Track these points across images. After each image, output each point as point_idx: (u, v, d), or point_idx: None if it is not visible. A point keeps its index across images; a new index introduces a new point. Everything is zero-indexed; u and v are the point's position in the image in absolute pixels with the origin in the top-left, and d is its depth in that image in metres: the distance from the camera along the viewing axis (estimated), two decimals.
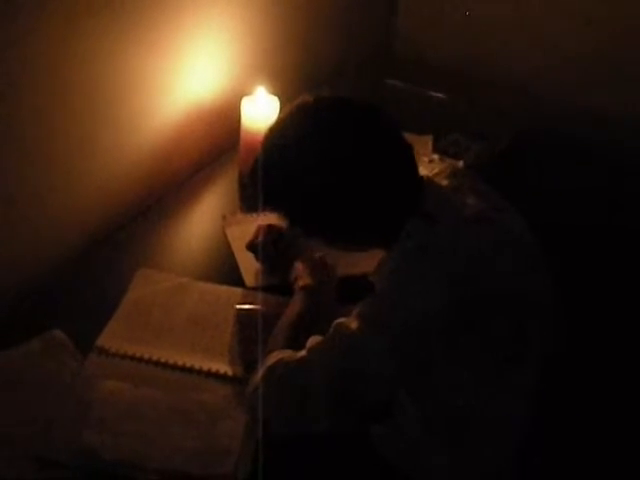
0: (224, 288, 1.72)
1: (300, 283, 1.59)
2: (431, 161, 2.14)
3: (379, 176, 1.30)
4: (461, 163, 2.18)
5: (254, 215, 1.90)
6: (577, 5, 2.71)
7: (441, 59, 2.91)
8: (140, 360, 1.52)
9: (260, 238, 1.74)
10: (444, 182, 1.41)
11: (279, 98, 2.01)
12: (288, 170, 1.31)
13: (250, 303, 1.65)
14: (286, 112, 1.35)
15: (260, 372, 1.33)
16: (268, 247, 1.73)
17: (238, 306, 1.64)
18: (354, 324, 1.26)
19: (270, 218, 1.72)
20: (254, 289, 1.71)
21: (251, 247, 1.76)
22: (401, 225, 1.31)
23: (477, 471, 1.42)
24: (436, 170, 1.85)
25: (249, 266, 1.78)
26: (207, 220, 2.01)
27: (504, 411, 1.37)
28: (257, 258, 1.77)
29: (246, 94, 2.02)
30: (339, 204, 1.30)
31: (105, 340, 1.54)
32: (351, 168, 1.28)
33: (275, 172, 1.33)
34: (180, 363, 1.52)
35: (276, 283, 1.72)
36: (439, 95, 2.28)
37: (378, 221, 1.34)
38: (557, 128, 2.64)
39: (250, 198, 1.74)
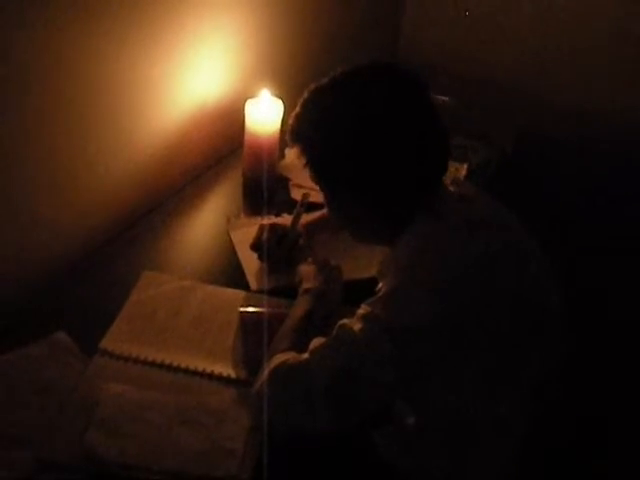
0: (228, 291, 1.72)
1: (304, 286, 1.60)
2: None
3: (411, 145, 1.31)
4: (465, 166, 2.18)
5: (258, 218, 1.90)
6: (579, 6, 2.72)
7: (446, 63, 2.92)
8: (144, 362, 1.52)
9: (264, 237, 1.74)
10: (450, 188, 1.41)
11: (283, 100, 2.01)
12: (326, 123, 1.33)
13: (254, 306, 1.64)
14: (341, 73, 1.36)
15: (264, 374, 1.33)
16: (272, 246, 1.73)
17: (242, 309, 1.63)
18: (357, 326, 1.25)
19: (273, 219, 1.74)
20: (258, 292, 1.71)
21: (255, 247, 1.77)
22: (410, 217, 1.33)
23: (477, 473, 1.42)
24: None
25: (253, 269, 1.78)
26: (211, 222, 2.02)
27: (504, 414, 1.37)
28: (260, 257, 1.78)
29: (250, 96, 2.03)
30: (368, 163, 1.31)
31: (109, 342, 1.54)
32: (384, 131, 1.30)
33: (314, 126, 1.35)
34: (184, 365, 1.51)
35: (280, 286, 1.72)
36: (443, 98, 2.28)
37: (401, 190, 1.34)
38: (559, 130, 2.64)
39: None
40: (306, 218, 1.82)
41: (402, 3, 3.13)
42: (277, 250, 1.75)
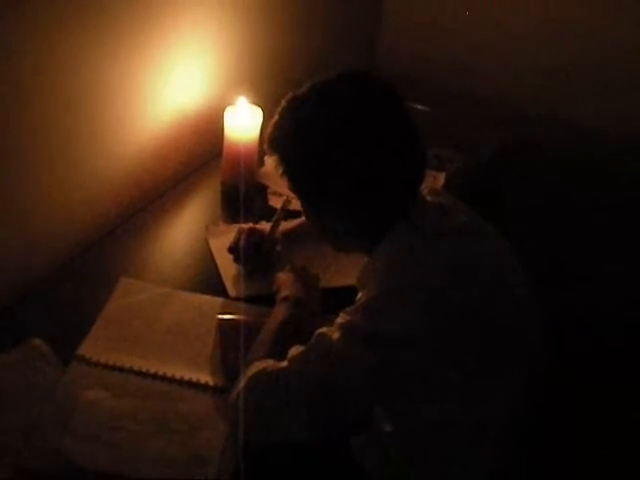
0: (206, 298, 1.71)
1: (282, 294, 1.59)
2: None
3: (389, 153, 1.32)
4: (443, 175, 2.19)
5: (237, 226, 1.90)
6: (562, 18, 2.75)
7: (423, 72, 2.94)
8: (121, 370, 1.51)
9: (241, 241, 1.74)
10: (427, 198, 1.42)
11: (262, 108, 2.02)
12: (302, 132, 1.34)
13: (232, 313, 1.64)
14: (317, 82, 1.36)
15: (242, 382, 1.33)
16: (249, 250, 1.74)
17: (220, 316, 1.63)
18: (336, 334, 1.26)
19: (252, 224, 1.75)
20: (236, 299, 1.71)
21: (232, 250, 1.77)
22: (388, 225, 1.34)
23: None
24: None
25: (231, 276, 1.78)
26: (190, 230, 2.02)
27: (484, 422, 1.37)
28: (236, 260, 1.78)
29: (229, 104, 2.03)
30: (345, 172, 1.31)
31: (86, 349, 1.53)
32: (361, 139, 1.30)
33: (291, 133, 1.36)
34: (161, 373, 1.51)
35: (258, 293, 1.72)
36: (421, 107, 2.29)
37: (378, 200, 1.34)
38: (539, 141, 2.66)
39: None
40: (285, 225, 1.82)
41: (380, 13, 3.14)
42: (254, 255, 1.75)
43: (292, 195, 1.46)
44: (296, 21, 2.54)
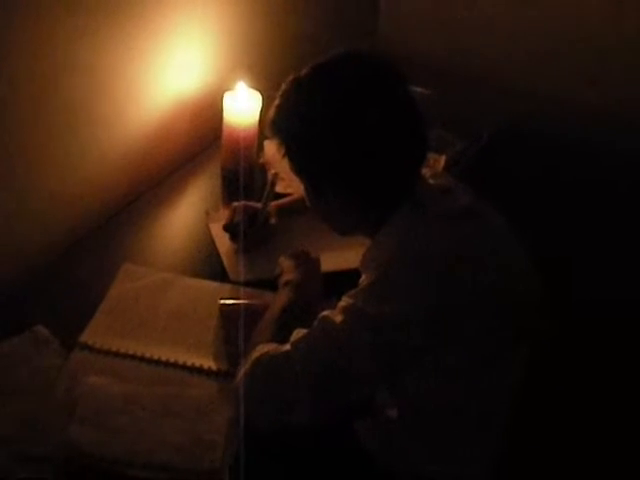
0: (208, 283, 1.72)
1: (284, 278, 1.60)
2: None
3: (389, 132, 1.31)
4: (443, 158, 2.19)
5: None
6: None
7: (422, 55, 2.93)
8: (124, 356, 1.51)
9: (236, 217, 1.76)
10: (429, 180, 1.42)
11: (261, 93, 2.01)
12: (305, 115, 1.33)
13: (234, 298, 1.65)
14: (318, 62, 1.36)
15: (245, 366, 1.33)
16: (244, 226, 1.75)
17: (222, 301, 1.63)
18: (338, 317, 1.26)
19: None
20: (238, 284, 1.71)
21: (228, 227, 1.79)
22: (390, 207, 1.34)
23: (457, 465, 1.43)
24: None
25: (233, 261, 1.78)
26: (190, 215, 2.01)
27: (486, 407, 1.37)
28: (233, 238, 1.80)
29: (228, 89, 2.02)
30: (347, 153, 1.31)
31: (89, 336, 1.53)
32: (363, 122, 1.29)
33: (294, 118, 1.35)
34: (164, 358, 1.52)
35: (260, 278, 1.72)
36: (421, 90, 2.29)
37: (380, 181, 1.34)
38: (538, 124, 2.65)
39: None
40: (278, 201, 1.86)
41: None
42: (249, 230, 1.76)
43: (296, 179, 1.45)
44: (295, 4, 2.53)
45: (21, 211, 1.67)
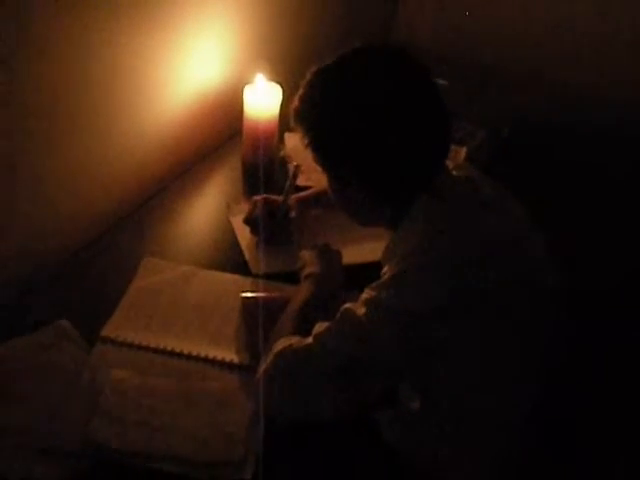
0: (230, 276, 1.72)
1: (306, 271, 1.60)
2: None
3: (412, 125, 1.31)
4: (464, 150, 2.18)
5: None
6: None
7: (441, 46, 2.92)
8: (146, 349, 1.52)
9: (257, 210, 1.76)
10: (453, 172, 1.41)
11: (281, 85, 2.01)
12: (331, 110, 1.33)
13: (256, 291, 1.65)
14: (341, 56, 1.35)
15: (268, 359, 1.33)
16: (265, 219, 1.76)
17: (244, 294, 1.63)
18: (361, 310, 1.25)
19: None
20: (260, 277, 1.71)
21: (248, 221, 1.80)
22: (414, 198, 1.33)
23: (480, 460, 1.42)
24: None
25: (254, 254, 1.78)
26: (211, 208, 2.02)
27: (510, 402, 1.37)
28: (254, 231, 1.81)
29: (248, 82, 2.02)
30: (371, 143, 1.30)
31: (111, 329, 1.54)
32: (386, 113, 1.29)
33: (318, 110, 1.35)
34: (186, 351, 1.52)
35: (282, 271, 1.73)
36: (441, 81, 2.28)
37: (404, 171, 1.33)
38: (558, 116, 2.64)
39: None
40: (299, 194, 1.86)
41: None
42: (270, 222, 1.77)
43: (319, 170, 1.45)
44: None
45: (42, 206, 1.67)
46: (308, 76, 1.37)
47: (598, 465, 1.80)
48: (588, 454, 1.81)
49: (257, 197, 1.80)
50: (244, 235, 1.83)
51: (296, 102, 1.38)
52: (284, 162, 2.09)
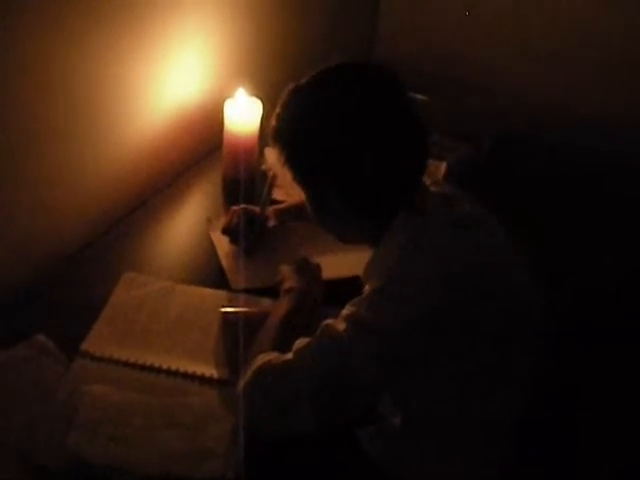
0: (209, 291, 1.71)
1: (286, 285, 1.60)
2: None
3: (390, 142, 1.31)
4: (444, 165, 2.19)
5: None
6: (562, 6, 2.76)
7: (422, 61, 2.94)
8: (125, 364, 1.51)
9: (234, 220, 1.79)
10: (431, 188, 1.42)
11: (262, 100, 2.02)
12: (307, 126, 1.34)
13: (235, 306, 1.65)
14: (317, 73, 1.36)
15: (247, 374, 1.33)
16: (243, 229, 1.77)
17: (223, 309, 1.63)
18: (341, 326, 1.25)
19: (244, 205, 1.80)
20: (239, 292, 1.71)
21: (226, 230, 1.81)
22: (393, 214, 1.33)
23: (465, 473, 1.43)
24: None
25: (234, 268, 1.78)
26: (192, 223, 2.01)
27: (490, 413, 1.37)
28: (233, 241, 1.82)
29: (229, 96, 2.03)
30: (348, 161, 1.31)
31: (90, 344, 1.53)
32: (364, 131, 1.30)
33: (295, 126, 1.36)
34: (165, 366, 1.51)
35: (262, 286, 1.72)
36: (420, 97, 2.29)
37: (381, 187, 1.33)
38: (538, 130, 2.66)
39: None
40: (277, 206, 1.89)
41: (378, 2, 3.14)
42: (248, 232, 1.79)
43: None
44: (295, 11, 2.54)
45: (22, 220, 1.67)
46: (284, 94, 1.37)
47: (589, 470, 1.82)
48: (585, 457, 1.83)
49: (235, 207, 1.81)
50: (224, 250, 1.83)
51: (273, 121, 1.39)
52: (264, 176, 2.09)
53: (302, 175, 1.39)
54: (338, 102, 1.30)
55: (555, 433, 1.73)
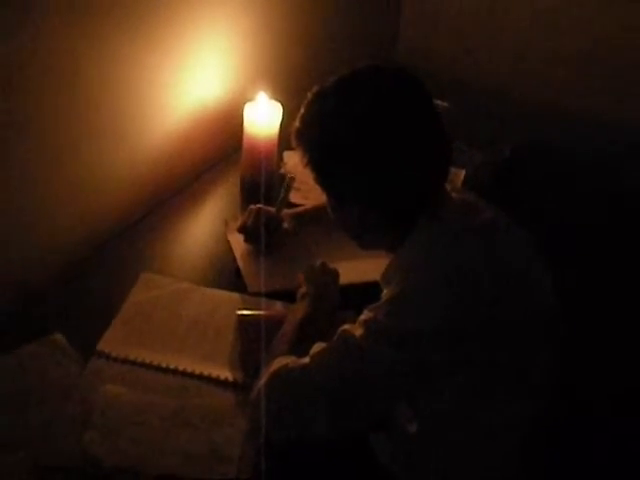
0: (226, 293, 1.72)
1: (302, 290, 1.60)
2: None
3: (414, 147, 1.31)
4: (463, 172, 2.18)
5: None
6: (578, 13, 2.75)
7: (442, 67, 2.93)
8: (141, 365, 1.51)
9: (250, 220, 1.79)
10: (452, 194, 1.41)
11: (282, 103, 2.02)
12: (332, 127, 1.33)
13: (252, 309, 1.64)
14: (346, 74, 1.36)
15: (263, 378, 1.33)
16: (259, 229, 1.77)
17: (240, 312, 1.63)
18: (358, 331, 1.25)
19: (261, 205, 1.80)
20: (256, 295, 1.71)
21: (242, 229, 1.82)
22: (415, 220, 1.33)
23: (477, 478, 1.42)
24: None
25: (251, 272, 1.78)
26: (209, 225, 2.02)
27: (504, 421, 1.36)
28: (247, 240, 1.83)
29: (249, 100, 2.03)
30: (371, 166, 1.30)
31: (106, 344, 1.54)
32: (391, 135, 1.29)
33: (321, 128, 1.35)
34: (181, 368, 1.51)
35: (279, 289, 1.72)
36: (441, 103, 2.29)
37: (404, 191, 1.33)
38: (557, 138, 2.64)
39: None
40: (294, 209, 1.89)
41: (400, 6, 3.14)
42: (264, 232, 1.79)
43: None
44: (315, 14, 2.54)
45: (40, 220, 1.68)
46: (308, 96, 1.37)
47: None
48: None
49: (252, 206, 1.82)
50: (241, 253, 1.83)
51: (297, 122, 1.39)
52: (282, 179, 2.09)
53: (324, 177, 1.39)
54: (361, 105, 1.30)
55: (559, 436, 1.72)
